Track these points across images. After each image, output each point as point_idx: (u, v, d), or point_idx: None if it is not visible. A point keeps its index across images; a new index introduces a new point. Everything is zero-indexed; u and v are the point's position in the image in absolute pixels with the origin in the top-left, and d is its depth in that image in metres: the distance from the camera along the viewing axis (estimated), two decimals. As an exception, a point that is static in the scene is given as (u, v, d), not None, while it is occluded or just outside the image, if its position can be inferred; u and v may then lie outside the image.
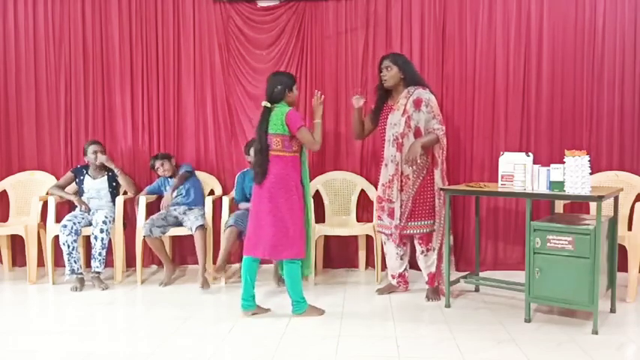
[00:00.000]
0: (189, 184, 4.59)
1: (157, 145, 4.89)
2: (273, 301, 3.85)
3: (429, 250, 3.93)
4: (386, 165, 3.95)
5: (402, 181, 3.87)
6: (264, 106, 3.55)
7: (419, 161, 3.79)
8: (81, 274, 4.34)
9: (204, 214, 4.45)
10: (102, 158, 4.53)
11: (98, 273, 4.35)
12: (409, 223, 3.90)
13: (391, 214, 3.93)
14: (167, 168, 4.61)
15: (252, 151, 4.13)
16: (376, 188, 4.25)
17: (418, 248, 3.97)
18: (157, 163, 4.61)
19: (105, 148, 4.70)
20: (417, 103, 3.85)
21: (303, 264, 3.61)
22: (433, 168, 3.89)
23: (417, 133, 3.85)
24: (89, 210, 4.48)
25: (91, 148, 4.56)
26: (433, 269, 3.95)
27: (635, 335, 3.36)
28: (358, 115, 4.08)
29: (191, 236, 4.37)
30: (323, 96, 3.73)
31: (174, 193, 4.55)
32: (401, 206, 3.88)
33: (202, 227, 4.30)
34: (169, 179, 4.64)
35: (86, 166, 4.64)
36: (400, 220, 3.88)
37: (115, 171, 4.58)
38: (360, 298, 4.05)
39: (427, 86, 3.97)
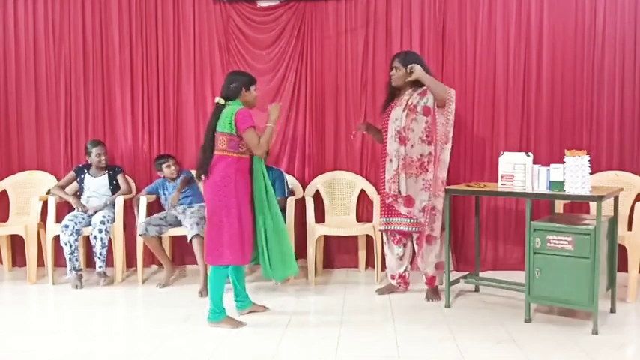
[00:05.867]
0: (190, 190, 4.57)
1: (157, 145, 4.89)
2: (273, 301, 3.85)
3: (426, 252, 3.92)
4: (390, 160, 3.93)
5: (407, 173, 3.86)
6: (217, 103, 3.40)
7: (413, 75, 3.75)
8: (81, 270, 4.41)
9: (203, 217, 4.40)
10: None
11: (103, 271, 4.41)
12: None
13: (408, 204, 3.89)
14: (174, 170, 4.55)
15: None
16: (376, 188, 4.24)
17: (416, 249, 3.96)
18: (165, 165, 4.54)
19: (106, 148, 4.70)
20: (424, 92, 3.84)
21: (266, 271, 3.47)
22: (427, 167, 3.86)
23: (426, 112, 3.82)
24: (86, 211, 4.48)
25: (95, 150, 4.56)
26: (432, 271, 3.94)
27: (635, 335, 3.37)
28: (369, 129, 4.11)
29: (191, 236, 4.36)
30: (281, 104, 3.64)
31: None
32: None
33: (198, 236, 4.20)
34: (167, 182, 4.61)
35: (88, 166, 4.64)
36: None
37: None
38: (360, 298, 4.04)
39: None
